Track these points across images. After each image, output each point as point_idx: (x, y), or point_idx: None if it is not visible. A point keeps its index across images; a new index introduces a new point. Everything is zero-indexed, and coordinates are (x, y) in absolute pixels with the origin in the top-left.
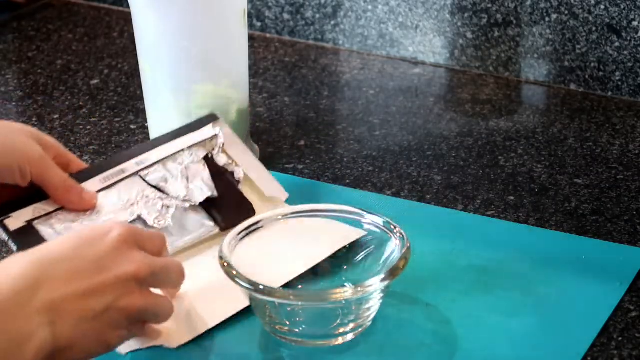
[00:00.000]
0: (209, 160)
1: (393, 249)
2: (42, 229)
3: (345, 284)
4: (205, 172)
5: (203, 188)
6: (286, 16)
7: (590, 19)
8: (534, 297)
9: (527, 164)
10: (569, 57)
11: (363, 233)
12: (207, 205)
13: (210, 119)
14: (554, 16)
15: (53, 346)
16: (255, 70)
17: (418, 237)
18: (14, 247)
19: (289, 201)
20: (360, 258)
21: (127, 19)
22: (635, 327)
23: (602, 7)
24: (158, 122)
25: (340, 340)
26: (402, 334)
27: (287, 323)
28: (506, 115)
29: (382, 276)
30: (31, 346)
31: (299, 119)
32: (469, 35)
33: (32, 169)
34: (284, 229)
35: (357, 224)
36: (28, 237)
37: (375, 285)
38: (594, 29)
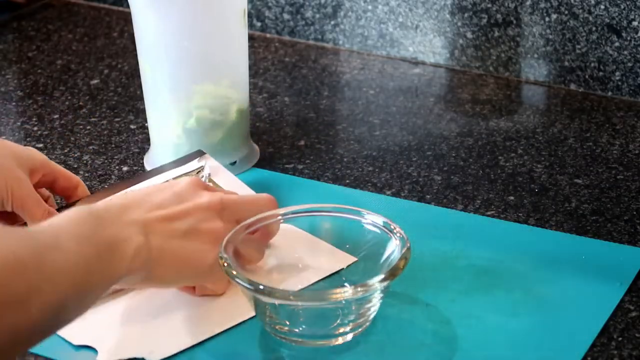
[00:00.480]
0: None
1: (393, 249)
2: None
3: (345, 284)
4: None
5: None
6: (286, 16)
7: (590, 19)
8: (534, 297)
9: (527, 164)
10: (569, 57)
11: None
12: None
13: (197, 154)
14: (554, 16)
15: (148, 252)
16: (255, 70)
17: (418, 237)
18: None
19: (289, 201)
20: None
21: (127, 19)
22: (635, 327)
23: (602, 7)
24: (158, 122)
25: (340, 340)
26: (402, 334)
27: (287, 323)
28: (506, 115)
29: (382, 276)
30: (130, 245)
31: (299, 119)
32: (469, 35)
33: (13, 198)
34: (284, 233)
35: (357, 225)
36: None
37: (375, 285)
38: (594, 29)
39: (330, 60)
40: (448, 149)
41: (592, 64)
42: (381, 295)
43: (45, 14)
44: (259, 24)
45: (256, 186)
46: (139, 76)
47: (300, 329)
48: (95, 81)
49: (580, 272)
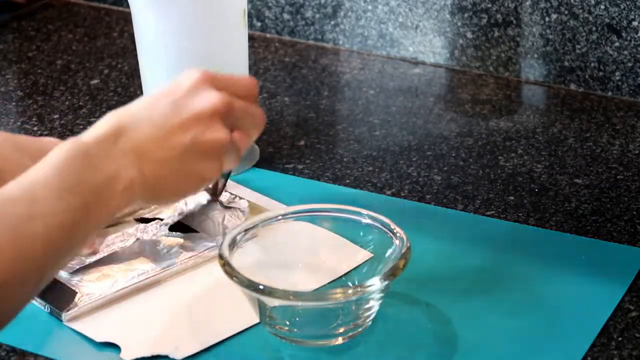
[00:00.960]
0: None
1: (393, 249)
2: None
3: (345, 284)
4: (203, 192)
5: (199, 200)
6: (286, 16)
7: (590, 19)
8: (534, 297)
9: (527, 164)
10: (569, 57)
11: (369, 255)
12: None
13: None
14: (554, 16)
15: (142, 183)
16: (255, 70)
17: (418, 237)
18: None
19: (289, 201)
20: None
21: (127, 19)
22: (635, 327)
23: (602, 7)
24: None
25: (340, 340)
26: (402, 334)
27: (287, 323)
28: (506, 115)
29: (382, 276)
30: (120, 182)
31: (299, 119)
32: (469, 35)
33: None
34: (286, 233)
35: (357, 224)
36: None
37: (375, 285)
38: (594, 29)
39: (330, 60)
40: (448, 149)
41: (592, 64)
42: (381, 295)
43: (45, 14)
44: (259, 24)
45: (256, 186)
46: (139, 76)
47: (300, 329)
48: (95, 81)
49: (580, 272)
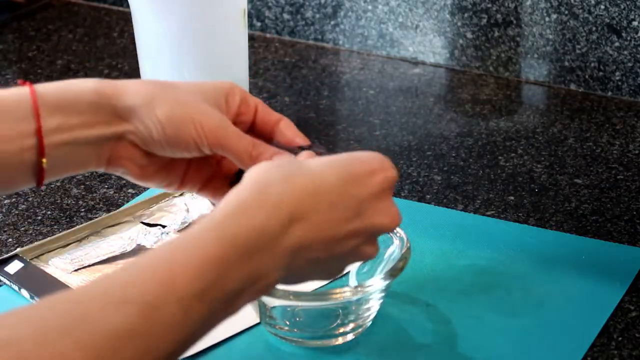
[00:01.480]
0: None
1: (393, 249)
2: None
3: (345, 284)
4: (206, 201)
5: (202, 210)
6: (286, 16)
7: (590, 19)
8: (534, 297)
9: (527, 164)
10: (569, 57)
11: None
12: None
13: None
14: (554, 16)
15: (281, 280)
16: (255, 70)
17: (418, 237)
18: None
19: None
20: None
21: (127, 19)
22: (635, 327)
23: (602, 7)
24: None
25: (340, 340)
26: (402, 334)
27: (287, 323)
28: (506, 115)
29: (382, 276)
30: (261, 283)
31: (299, 119)
32: (469, 35)
33: (206, 135)
34: None
35: None
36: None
37: (375, 285)
38: (594, 29)
39: (330, 60)
40: (448, 149)
41: (592, 64)
42: (381, 295)
43: (45, 14)
44: (259, 24)
45: None
46: (139, 76)
47: (300, 329)
48: None
49: (580, 272)
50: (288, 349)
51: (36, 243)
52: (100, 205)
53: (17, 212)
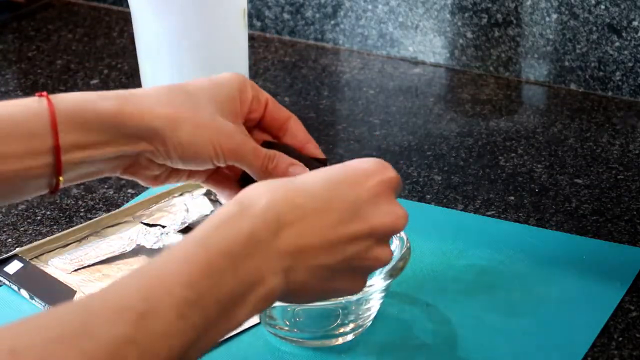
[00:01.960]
0: (210, 196)
1: (393, 249)
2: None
3: None
4: (206, 201)
5: (202, 210)
6: (286, 16)
7: (591, 19)
8: (534, 297)
9: (527, 164)
10: (569, 57)
11: None
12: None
13: None
14: (554, 16)
15: (282, 292)
16: (255, 70)
17: (418, 237)
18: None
19: None
20: None
21: (127, 19)
22: (636, 327)
23: (603, 7)
24: None
25: (340, 340)
26: (402, 334)
27: (287, 323)
28: (506, 115)
29: (382, 276)
30: (259, 290)
31: (299, 119)
32: (469, 35)
33: (224, 153)
34: None
35: None
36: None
37: (375, 285)
38: (594, 29)
39: (330, 60)
40: (448, 149)
41: (593, 64)
42: (381, 295)
43: (45, 14)
44: (259, 23)
45: None
46: (139, 76)
47: (300, 329)
48: (95, 81)
49: (580, 272)
50: (288, 349)
51: (36, 243)
52: (100, 205)
53: (16, 212)
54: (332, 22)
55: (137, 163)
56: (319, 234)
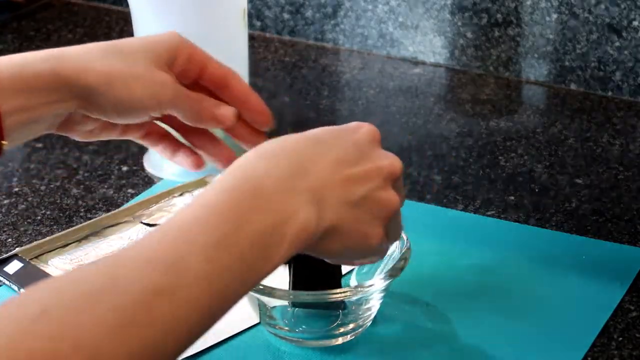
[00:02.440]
0: None
1: (393, 249)
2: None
3: (345, 284)
4: None
5: None
6: (286, 16)
7: (591, 18)
8: (534, 297)
9: (527, 164)
10: (569, 57)
11: None
12: None
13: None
14: (554, 16)
15: (316, 227)
16: (255, 70)
17: (418, 237)
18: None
19: None
20: None
21: (127, 19)
22: (636, 327)
23: (603, 7)
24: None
25: (340, 340)
26: (402, 334)
27: (287, 323)
28: (506, 115)
29: (382, 276)
30: (294, 223)
31: (299, 119)
32: (469, 35)
33: (162, 108)
34: None
35: None
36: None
37: (375, 285)
38: (594, 28)
39: (330, 60)
40: (448, 149)
41: (593, 64)
42: (381, 295)
43: (45, 14)
44: (259, 23)
45: None
46: None
47: (300, 329)
48: None
49: (580, 272)
50: (288, 349)
51: (35, 243)
52: (100, 205)
53: (16, 212)
54: (332, 22)
55: (71, 119)
56: (332, 172)
